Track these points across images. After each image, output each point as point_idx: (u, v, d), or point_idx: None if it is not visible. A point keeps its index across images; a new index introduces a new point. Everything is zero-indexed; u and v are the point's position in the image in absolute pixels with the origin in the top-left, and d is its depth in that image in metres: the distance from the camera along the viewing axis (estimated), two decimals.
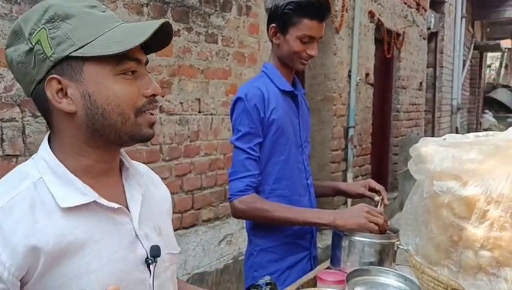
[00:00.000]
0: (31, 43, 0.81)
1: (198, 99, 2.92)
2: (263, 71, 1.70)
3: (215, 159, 3.08)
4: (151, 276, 0.90)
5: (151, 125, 0.89)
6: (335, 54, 4.60)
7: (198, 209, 2.98)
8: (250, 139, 1.59)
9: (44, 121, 2.04)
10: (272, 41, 1.68)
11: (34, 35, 0.81)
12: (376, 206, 1.71)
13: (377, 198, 1.74)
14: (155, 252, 0.91)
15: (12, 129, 1.95)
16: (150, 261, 0.90)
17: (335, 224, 1.54)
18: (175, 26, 2.70)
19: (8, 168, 1.91)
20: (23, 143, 1.99)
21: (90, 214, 0.85)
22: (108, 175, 0.91)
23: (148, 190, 0.98)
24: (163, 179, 2.72)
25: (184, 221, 2.89)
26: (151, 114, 0.88)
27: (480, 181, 1.03)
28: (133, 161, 1.00)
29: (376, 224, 1.53)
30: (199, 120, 2.94)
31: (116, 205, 0.88)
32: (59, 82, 0.82)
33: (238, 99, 1.60)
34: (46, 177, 0.83)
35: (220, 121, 3.10)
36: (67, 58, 0.81)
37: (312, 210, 1.66)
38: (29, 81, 0.84)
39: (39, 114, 2.02)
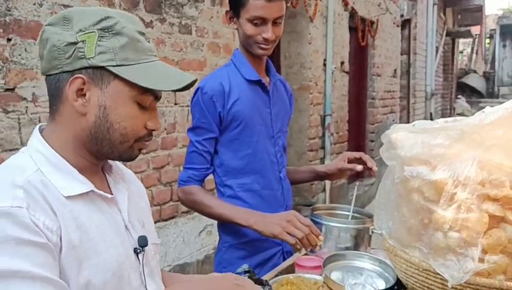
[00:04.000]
0: (77, 39, 0.85)
1: (174, 92, 2.90)
2: (231, 59, 1.63)
3: None
4: (141, 264, 0.97)
5: (141, 150, 0.96)
6: (310, 43, 4.62)
7: (178, 201, 2.96)
8: (199, 133, 1.56)
9: (16, 116, 2.02)
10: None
11: (83, 33, 0.85)
12: (358, 179, 1.65)
13: (358, 167, 1.68)
14: (143, 242, 0.97)
15: None
16: (138, 250, 0.96)
17: (253, 228, 1.48)
18: (147, 18, 2.67)
19: None
20: None
21: (88, 203, 0.89)
22: (95, 173, 0.96)
23: (129, 186, 1.04)
24: (140, 171, 2.73)
25: (163, 213, 2.89)
26: (145, 141, 0.95)
27: (448, 165, 1.06)
28: None
29: (296, 237, 1.41)
30: (175, 112, 2.93)
31: (109, 195, 0.94)
32: (83, 83, 0.86)
33: (197, 90, 1.55)
34: (44, 169, 0.86)
35: None
36: (102, 68, 0.86)
37: (239, 209, 1.55)
38: (54, 65, 0.86)
39: (10, 109, 2.00)
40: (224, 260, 1.64)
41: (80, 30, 0.85)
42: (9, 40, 2.00)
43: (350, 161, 1.72)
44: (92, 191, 0.90)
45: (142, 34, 0.91)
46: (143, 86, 0.87)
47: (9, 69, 2.00)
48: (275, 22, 1.52)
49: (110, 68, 0.86)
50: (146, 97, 0.90)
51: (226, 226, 1.63)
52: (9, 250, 0.74)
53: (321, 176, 1.83)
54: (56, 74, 0.87)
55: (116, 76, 0.86)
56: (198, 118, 1.55)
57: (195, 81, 0.95)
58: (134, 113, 0.90)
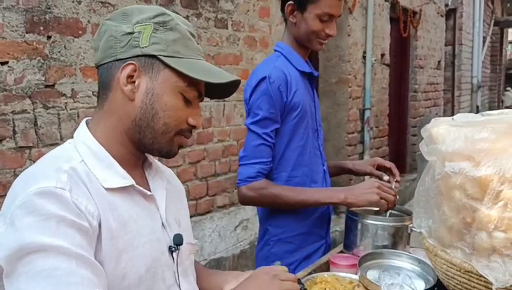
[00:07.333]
0: (134, 29, 0.91)
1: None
2: (278, 51, 1.61)
3: (229, 145, 3.08)
4: (175, 263, 0.97)
5: (180, 147, 0.98)
6: (349, 35, 4.52)
7: (213, 195, 2.99)
8: (267, 125, 1.51)
9: (56, 112, 2.07)
10: (286, 20, 1.60)
11: (140, 24, 0.91)
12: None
13: (385, 177, 1.68)
14: (178, 240, 0.97)
15: (24, 121, 1.97)
16: (173, 248, 0.97)
17: (346, 202, 1.51)
18: (183, 13, 2.67)
19: (21, 160, 1.94)
20: (36, 134, 2.01)
21: (127, 197, 0.91)
22: (135, 167, 0.98)
23: (168, 184, 1.05)
24: (176, 166, 2.76)
25: (199, 208, 2.90)
26: (186, 137, 0.98)
27: (493, 161, 1.00)
28: (152, 156, 1.05)
29: (386, 200, 1.49)
30: (211, 107, 2.93)
31: (149, 192, 0.96)
32: (134, 70, 0.90)
33: (262, 79, 1.50)
34: (88, 160, 0.89)
35: (232, 108, 3.08)
36: (154, 57, 0.90)
37: (322, 189, 1.60)
38: (109, 54, 0.91)
39: (50, 105, 2.06)
40: (273, 254, 1.62)
41: (137, 22, 0.91)
42: (49, 37, 2.05)
43: (379, 167, 1.74)
44: (132, 186, 0.92)
45: (193, 36, 0.96)
46: (189, 77, 0.90)
47: (49, 66, 2.06)
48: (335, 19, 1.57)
49: (161, 57, 0.90)
50: (191, 91, 0.94)
51: (275, 221, 1.62)
52: (50, 227, 0.75)
53: (347, 172, 1.86)
54: (109, 62, 0.91)
55: (166, 66, 0.91)
56: (267, 109, 1.50)
57: (238, 84, 0.98)
58: (178, 105, 0.93)
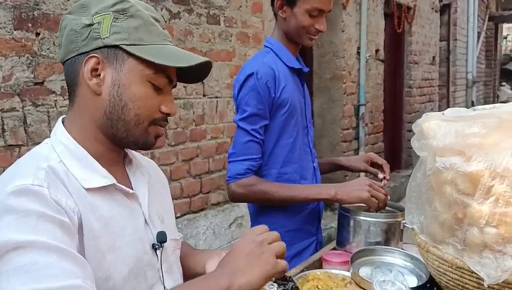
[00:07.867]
0: (93, 20, 0.87)
1: (202, 83, 2.88)
2: (268, 47, 1.60)
3: (222, 142, 3.06)
4: (159, 260, 0.95)
5: (157, 137, 0.95)
6: (343, 31, 4.51)
7: (207, 193, 2.98)
8: (255, 121, 1.51)
9: (45, 110, 2.04)
10: (276, 15, 1.59)
11: (99, 15, 0.87)
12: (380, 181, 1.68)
13: (380, 175, 1.69)
14: (161, 238, 0.95)
15: (13, 119, 1.95)
16: (156, 246, 0.95)
17: (336, 198, 1.51)
18: (175, 8, 2.65)
19: (11, 158, 1.91)
20: (25, 133, 1.99)
21: (108, 196, 0.89)
22: (116, 164, 0.95)
23: (150, 178, 1.03)
24: (169, 164, 2.74)
25: (193, 205, 2.89)
26: (161, 126, 0.94)
27: (484, 156, 0.98)
28: (132, 151, 1.03)
29: (377, 199, 1.49)
30: (204, 103, 2.91)
31: (130, 190, 0.93)
32: (98, 63, 0.87)
33: (249, 75, 1.49)
34: (66, 160, 0.87)
35: (225, 104, 3.06)
36: (117, 47, 0.87)
37: (312, 186, 1.60)
38: (72, 49, 0.88)
39: (40, 103, 2.03)
40: None
41: (96, 13, 0.87)
42: (37, 34, 2.03)
43: (373, 164, 1.74)
44: (113, 185, 0.90)
45: (157, 20, 0.93)
46: (155, 63, 0.87)
47: (38, 63, 2.03)
48: (325, 15, 1.56)
49: (124, 46, 0.87)
50: (159, 78, 0.90)
51: (265, 217, 1.62)
52: (29, 224, 0.74)
53: (341, 168, 1.87)
54: (73, 57, 0.88)
55: (130, 55, 0.88)
56: (255, 105, 1.50)
57: (210, 66, 0.95)
58: (148, 94, 0.90)
